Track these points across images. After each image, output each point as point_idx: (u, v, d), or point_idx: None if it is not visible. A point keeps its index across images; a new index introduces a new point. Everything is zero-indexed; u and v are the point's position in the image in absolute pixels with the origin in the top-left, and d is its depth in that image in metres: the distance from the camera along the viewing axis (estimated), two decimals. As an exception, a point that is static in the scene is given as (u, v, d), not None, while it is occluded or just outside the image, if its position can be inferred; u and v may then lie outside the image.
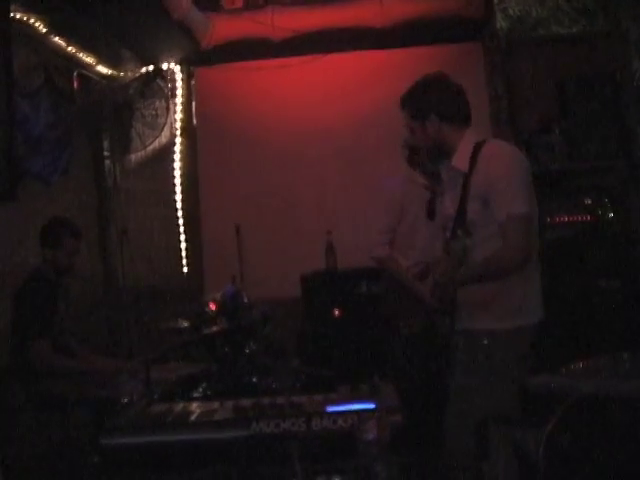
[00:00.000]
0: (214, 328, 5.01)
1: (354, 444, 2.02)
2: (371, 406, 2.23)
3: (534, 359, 3.51)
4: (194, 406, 2.40)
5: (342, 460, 2.11)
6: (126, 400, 4.41)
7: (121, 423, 2.20)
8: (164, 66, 7.13)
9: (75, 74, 6.50)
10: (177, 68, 7.13)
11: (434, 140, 3.59)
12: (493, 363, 3.44)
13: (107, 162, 7.10)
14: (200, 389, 4.80)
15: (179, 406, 2.41)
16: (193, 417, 2.22)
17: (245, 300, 5.34)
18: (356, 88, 6.96)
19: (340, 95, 7.00)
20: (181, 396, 4.59)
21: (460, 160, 3.54)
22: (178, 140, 7.12)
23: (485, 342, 3.48)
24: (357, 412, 2.18)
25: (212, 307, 5.31)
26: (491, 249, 3.41)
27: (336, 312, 6.05)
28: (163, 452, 2.10)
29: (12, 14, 5.19)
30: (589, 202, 6.28)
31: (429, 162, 3.77)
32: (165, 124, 7.13)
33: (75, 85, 6.46)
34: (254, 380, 4.94)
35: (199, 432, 2.12)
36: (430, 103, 3.58)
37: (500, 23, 6.85)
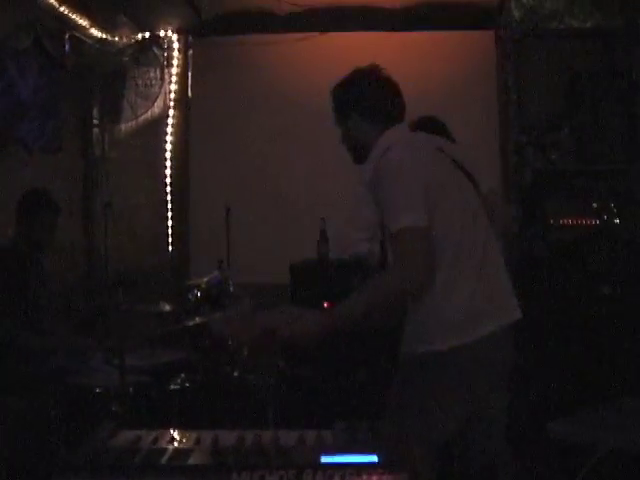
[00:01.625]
0: (196, 319, 4.76)
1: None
2: (373, 459, 1.93)
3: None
4: (166, 440, 2.10)
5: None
6: (98, 390, 4.21)
7: (78, 461, 1.89)
8: (161, 34, 6.80)
9: (67, 37, 6.18)
10: (175, 37, 6.81)
11: (356, 140, 3.31)
12: (411, 390, 3.09)
13: (96, 131, 6.80)
14: (178, 380, 4.60)
15: (149, 439, 2.11)
16: (164, 459, 1.93)
17: (231, 289, 5.10)
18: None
19: (341, 76, 6.72)
20: (157, 387, 4.41)
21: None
22: (171, 112, 6.81)
23: (408, 366, 3.13)
24: (356, 467, 1.89)
25: (197, 293, 5.07)
26: None
27: (325, 305, 5.79)
28: (128, 499, 1.82)
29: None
30: (595, 206, 6.07)
31: (355, 162, 3.38)
32: (159, 95, 6.84)
33: (66, 48, 6.14)
34: (235, 375, 4.73)
35: (170, 479, 1.83)
36: (351, 101, 3.33)
37: (513, 12, 6.60)
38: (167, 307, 5.03)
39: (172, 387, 4.51)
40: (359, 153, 3.29)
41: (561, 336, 5.63)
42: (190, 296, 5.04)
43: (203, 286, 5.05)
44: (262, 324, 2.98)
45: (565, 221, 6.04)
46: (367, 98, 3.30)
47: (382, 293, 2.92)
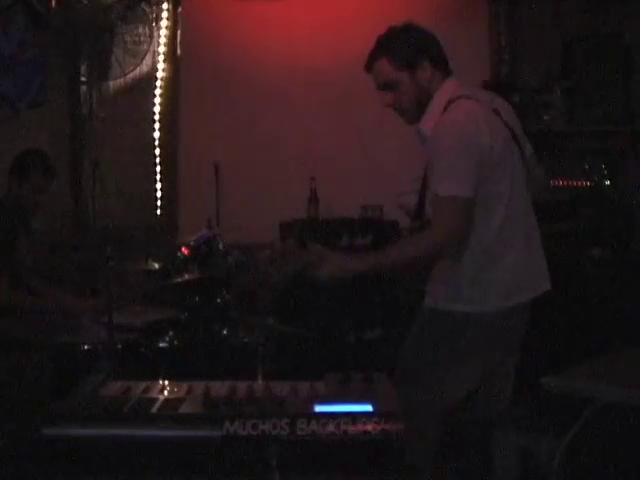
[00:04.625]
0: (185, 276, 4.73)
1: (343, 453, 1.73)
2: (368, 408, 1.91)
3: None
4: (157, 390, 2.07)
5: (328, 471, 1.81)
6: (87, 347, 4.18)
7: (68, 410, 1.86)
8: (150, -10, 6.69)
9: (53, -8, 6.08)
10: (164, -7, 6.70)
11: (423, 92, 3.11)
12: (437, 344, 3.13)
13: (83, 88, 6.68)
14: (167, 338, 4.56)
15: (139, 389, 2.08)
16: (155, 407, 1.90)
17: (220, 246, 5.06)
18: (350, 27, 6.59)
19: (333, 34, 6.64)
20: (146, 345, 4.37)
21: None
22: (160, 70, 6.72)
23: (431, 321, 3.18)
24: (351, 415, 1.86)
25: (185, 252, 5.03)
26: None
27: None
28: (118, 448, 1.78)
29: None
30: (587, 167, 6.05)
31: (413, 122, 3.21)
32: (147, 52, 6.72)
33: (52, 4, 6.03)
34: (224, 333, 4.71)
35: (161, 428, 1.80)
36: (420, 46, 3.11)
37: (507, -27, 6.53)
38: (156, 265, 5.00)
39: (161, 345, 4.47)
40: (418, 110, 3.14)
41: (551, 298, 5.61)
42: (179, 254, 5.00)
43: (192, 244, 5.01)
44: (300, 263, 2.99)
45: (556, 182, 6.01)
46: (433, 43, 3.17)
47: (413, 253, 2.99)
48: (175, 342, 4.53)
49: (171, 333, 4.60)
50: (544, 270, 3.23)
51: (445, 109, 3.04)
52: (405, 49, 3.11)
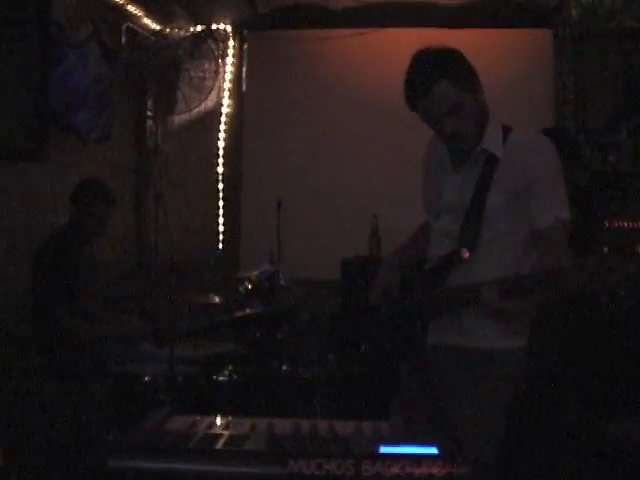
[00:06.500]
0: (247, 311, 4.75)
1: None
2: (433, 450, 1.89)
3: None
4: (221, 426, 2.08)
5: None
6: (147, 379, 4.20)
7: (134, 444, 1.88)
8: (217, 27, 6.80)
9: (123, 28, 6.21)
10: (230, 30, 6.81)
11: (482, 113, 2.95)
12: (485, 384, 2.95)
13: (149, 122, 6.82)
14: (226, 372, 4.57)
15: (203, 424, 2.08)
16: (219, 444, 1.90)
17: (282, 282, 5.09)
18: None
19: (396, 73, 6.65)
20: (205, 378, 4.39)
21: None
22: (225, 105, 6.82)
23: (482, 362, 2.98)
24: (416, 457, 1.84)
25: (247, 286, 5.06)
26: (506, 255, 2.92)
27: (375, 301, 5.73)
28: (182, 483, 1.80)
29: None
30: (652, 209, 5.96)
31: (471, 148, 3.00)
32: (213, 88, 6.83)
33: (122, 40, 6.16)
34: (284, 368, 4.70)
35: (226, 464, 1.80)
36: (472, 67, 2.94)
37: (572, 11, 6.49)
38: (217, 299, 5.02)
39: (220, 378, 4.48)
40: (478, 134, 2.96)
41: (617, 339, 5.51)
42: (241, 288, 5.03)
43: (254, 279, 5.04)
44: None
45: (620, 224, 5.92)
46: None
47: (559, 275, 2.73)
48: (234, 376, 4.53)
49: (230, 367, 4.61)
50: None
51: (506, 135, 2.96)
52: (463, 69, 2.95)
